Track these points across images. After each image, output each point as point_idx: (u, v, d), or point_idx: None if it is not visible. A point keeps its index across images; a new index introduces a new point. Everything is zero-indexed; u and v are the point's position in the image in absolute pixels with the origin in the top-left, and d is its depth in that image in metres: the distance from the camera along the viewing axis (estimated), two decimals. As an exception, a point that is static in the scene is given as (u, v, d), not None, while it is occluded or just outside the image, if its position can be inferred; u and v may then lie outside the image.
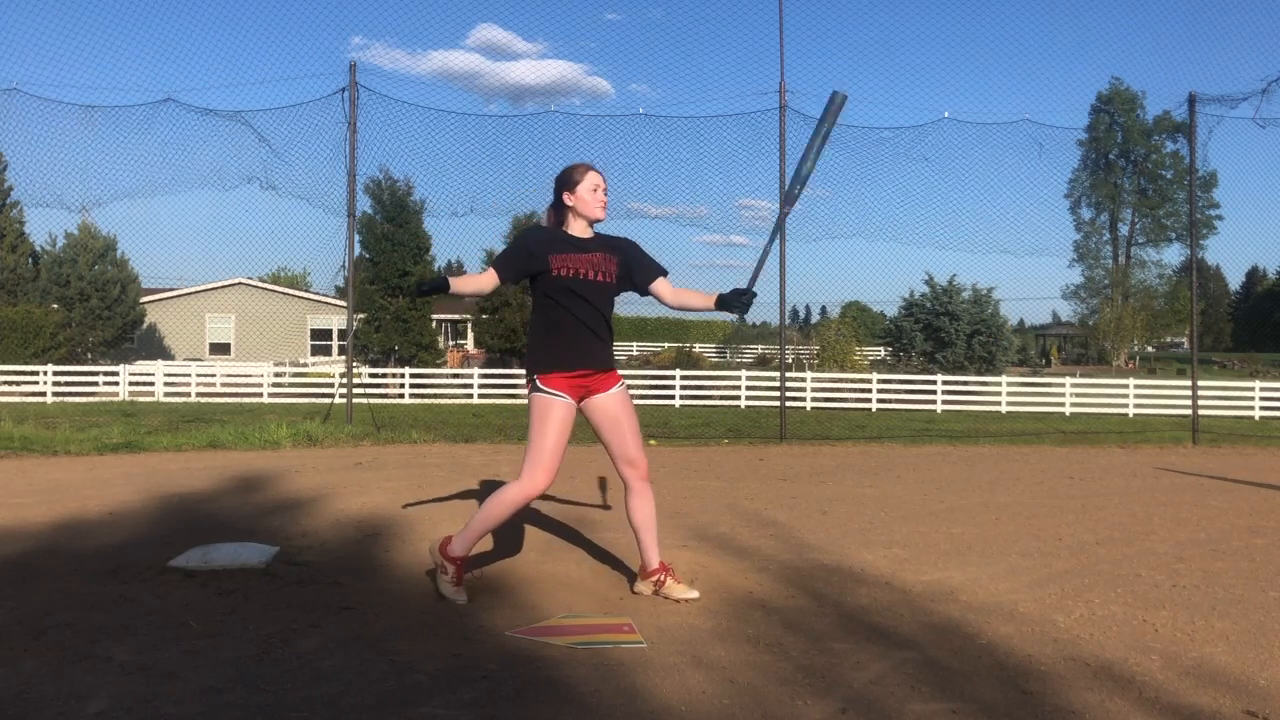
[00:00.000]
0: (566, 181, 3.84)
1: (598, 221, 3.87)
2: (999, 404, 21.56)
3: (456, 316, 40.56)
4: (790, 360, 27.85)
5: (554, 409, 3.70)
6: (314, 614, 3.56)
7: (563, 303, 3.76)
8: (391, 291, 24.69)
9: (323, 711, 2.63)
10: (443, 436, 11.48)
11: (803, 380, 22.21)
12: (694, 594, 3.87)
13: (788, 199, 4.02)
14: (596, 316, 3.78)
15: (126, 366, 22.69)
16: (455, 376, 23.93)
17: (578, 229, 3.84)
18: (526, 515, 5.61)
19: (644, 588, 3.94)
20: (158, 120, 12.03)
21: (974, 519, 5.88)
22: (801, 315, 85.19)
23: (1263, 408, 20.55)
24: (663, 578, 3.90)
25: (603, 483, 5.44)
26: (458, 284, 3.74)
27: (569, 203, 3.83)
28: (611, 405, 3.82)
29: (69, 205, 12.70)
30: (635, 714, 2.67)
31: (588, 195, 3.81)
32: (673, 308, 3.98)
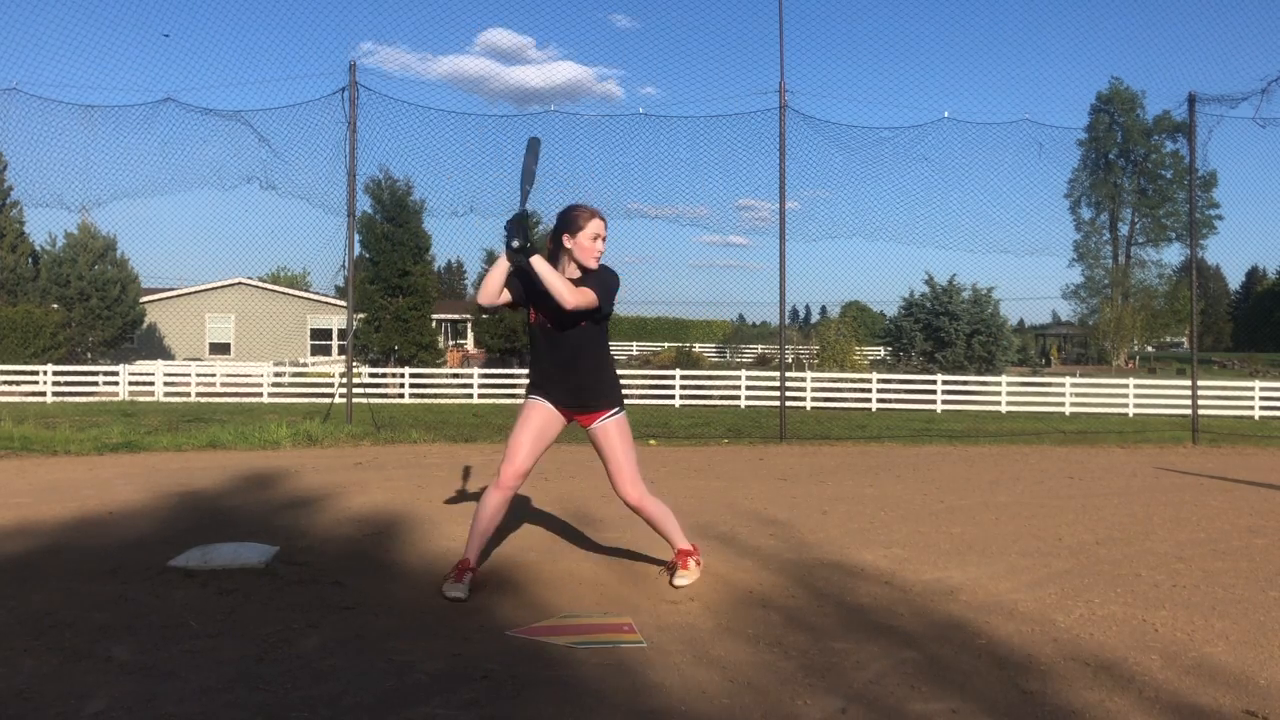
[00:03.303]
0: (570, 224, 3.82)
1: (589, 270, 3.84)
2: (999, 404, 21.55)
3: (456, 316, 40.56)
4: (790, 360, 27.87)
5: (528, 410, 3.95)
6: (314, 614, 3.56)
7: (538, 343, 3.93)
8: (391, 291, 24.68)
9: (323, 711, 2.63)
10: (443, 436, 11.49)
11: (803, 380, 22.21)
12: (679, 584, 4.03)
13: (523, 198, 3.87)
14: (573, 357, 3.87)
15: (126, 366, 22.69)
16: (455, 376, 23.92)
17: (569, 270, 3.84)
18: (528, 515, 5.61)
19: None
20: (158, 120, 12.04)
21: (974, 519, 5.88)
22: (801, 315, 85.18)
23: (1263, 408, 20.55)
24: (674, 561, 4.13)
25: None
26: (542, 269, 3.63)
27: (567, 244, 3.83)
28: (594, 440, 4.00)
29: (69, 205, 12.68)
30: (636, 713, 2.67)
31: (586, 243, 3.81)
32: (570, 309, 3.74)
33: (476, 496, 6.18)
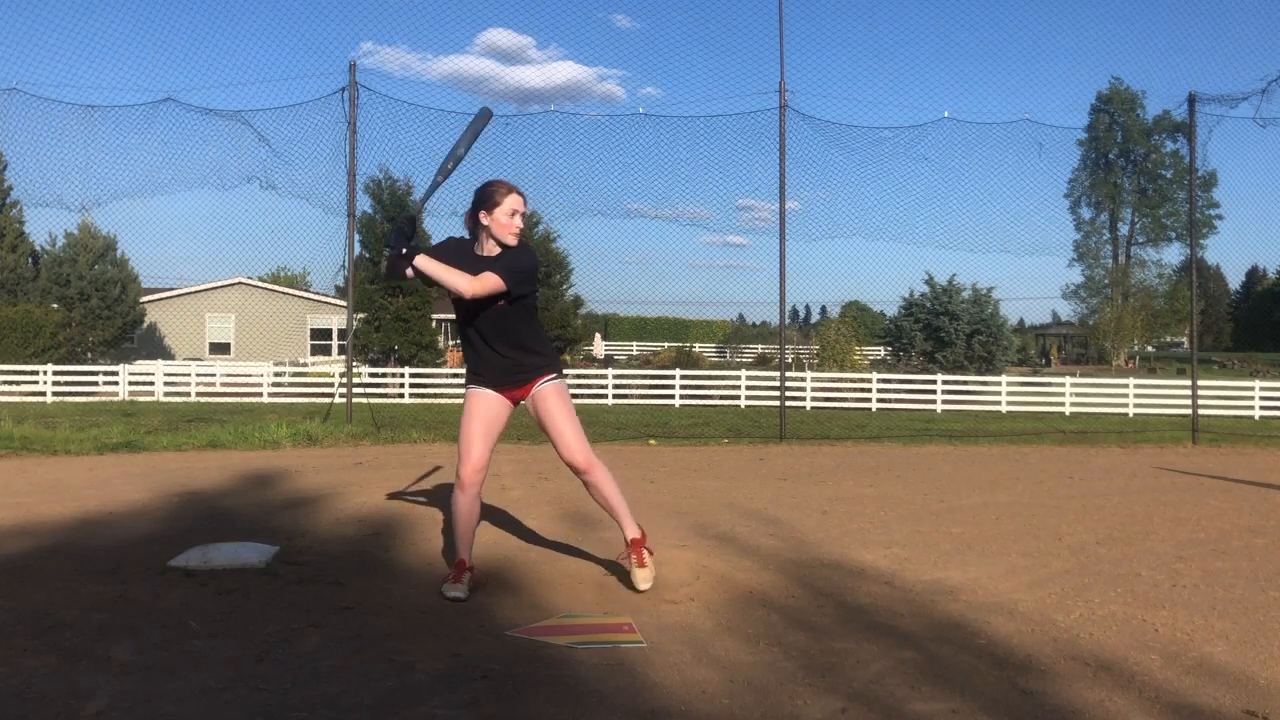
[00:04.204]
0: (487, 199, 3.80)
1: (508, 246, 3.82)
2: (999, 404, 21.54)
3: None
4: (790, 360, 27.87)
5: (471, 401, 3.90)
6: (314, 614, 3.56)
7: (463, 323, 3.88)
8: (391, 291, 24.68)
9: (323, 711, 2.63)
10: (443, 436, 11.47)
11: (802, 380, 22.20)
12: (644, 587, 3.86)
13: (435, 180, 3.88)
14: (495, 336, 3.83)
15: (126, 366, 22.68)
16: (455, 376, 23.92)
17: (488, 247, 3.83)
18: (528, 515, 5.61)
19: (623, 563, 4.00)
20: (158, 120, 12.05)
21: (974, 519, 5.88)
22: (801, 315, 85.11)
23: (1263, 408, 20.53)
24: (628, 554, 3.92)
25: None
26: (430, 267, 3.65)
27: (484, 221, 3.81)
28: (533, 410, 3.93)
29: (69, 205, 12.72)
30: (636, 713, 2.67)
31: (504, 219, 3.78)
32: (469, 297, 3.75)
33: (426, 493, 6.21)
